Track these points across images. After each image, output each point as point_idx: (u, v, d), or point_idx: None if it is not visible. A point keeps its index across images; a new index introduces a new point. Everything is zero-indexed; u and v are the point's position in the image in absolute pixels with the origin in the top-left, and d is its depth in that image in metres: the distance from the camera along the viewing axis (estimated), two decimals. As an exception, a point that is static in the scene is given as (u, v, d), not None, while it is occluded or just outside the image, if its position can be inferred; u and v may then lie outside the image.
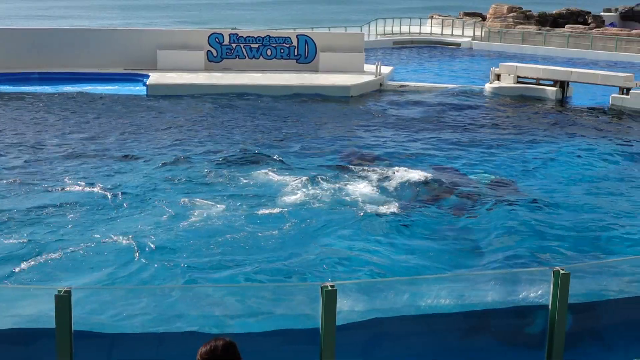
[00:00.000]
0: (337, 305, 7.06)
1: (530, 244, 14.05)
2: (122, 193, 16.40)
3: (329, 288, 7.06)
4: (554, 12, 57.02)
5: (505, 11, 55.90)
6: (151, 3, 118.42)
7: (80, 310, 7.10)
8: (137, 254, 13.02)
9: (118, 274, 12.36)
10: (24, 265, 12.64)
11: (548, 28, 51.53)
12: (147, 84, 29.92)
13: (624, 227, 15.27)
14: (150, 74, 31.43)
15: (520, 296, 8.45)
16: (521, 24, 52.85)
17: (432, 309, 8.40)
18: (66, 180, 17.46)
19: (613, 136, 24.28)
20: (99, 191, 16.58)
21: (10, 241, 13.60)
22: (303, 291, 8.68)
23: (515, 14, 55.07)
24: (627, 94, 28.94)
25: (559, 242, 14.28)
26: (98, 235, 13.95)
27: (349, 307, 7.68)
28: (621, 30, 49.74)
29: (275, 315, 8.86)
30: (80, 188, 16.82)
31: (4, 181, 17.27)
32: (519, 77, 31.31)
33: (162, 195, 16.46)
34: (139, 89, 29.90)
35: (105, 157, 19.69)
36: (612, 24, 56.14)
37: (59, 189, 16.75)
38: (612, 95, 29.29)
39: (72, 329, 6.69)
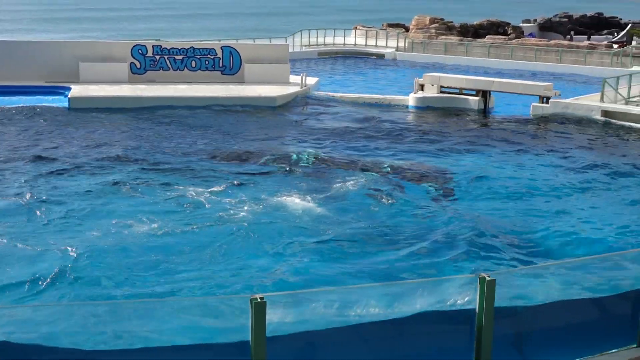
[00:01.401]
0: (267, 317, 7.02)
1: (454, 252, 14.24)
2: (43, 207, 16.04)
3: (258, 300, 7.02)
4: (475, 23, 58.21)
5: (427, 22, 56.80)
6: (74, 15, 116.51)
7: None
8: (60, 270, 12.73)
9: (40, 290, 12.04)
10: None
11: (470, 39, 52.55)
12: (69, 96, 29.35)
13: (548, 231, 15.60)
14: (72, 86, 30.85)
15: (448, 303, 8.53)
16: (443, 34, 53.76)
17: (361, 318, 8.41)
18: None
19: (534, 143, 24.83)
20: (20, 204, 16.19)
21: None
22: (232, 303, 8.60)
23: (437, 25, 56.01)
24: (547, 102, 29.66)
25: (484, 249, 14.50)
26: (17, 250, 13.60)
27: (278, 319, 7.63)
28: (540, 41, 51.05)
29: (205, 328, 8.75)
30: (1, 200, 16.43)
31: None
32: (442, 87, 31.77)
33: (85, 209, 16.14)
34: (60, 102, 29.29)
35: (25, 170, 19.21)
36: (531, 35, 57.58)
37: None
38: (533, 104, 29.98)
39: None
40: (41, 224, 15.20)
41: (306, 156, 21.62)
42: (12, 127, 24.79)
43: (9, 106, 28.14)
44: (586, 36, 57.37)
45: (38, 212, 15.83)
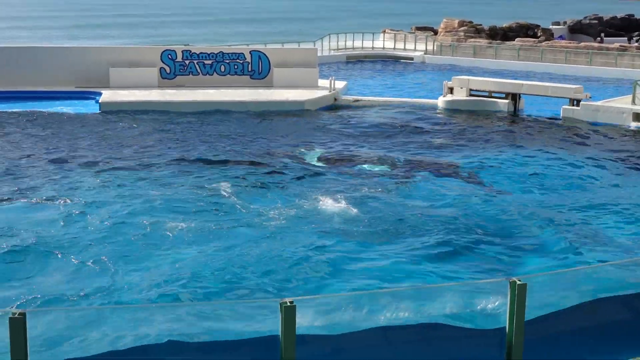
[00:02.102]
0: (297, 320, 7.03)
1: (485, 254, 14.17)
2: (80, 210, 16.21)
3: (288, 304, 7.03)
4: (504, 25, 57.85)
5: (456, 25, 56.57)
6: (107, 22, 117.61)
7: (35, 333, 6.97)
8: (101, 272, 12.86)
9: (78, 293, 12.14)
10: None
11: (499, 41, 52.24)
12: (99, 101, 29.63)
13: (578, 234, 15.47)
14: (102, 91, 31.14)
15: (478, 307, 8.50)
16: (472, 37, 53.51)
17: (390, 321, 8.41)
18: (22, 197, 17.22)
19: (564, 146, 24.63)
20: (59, 208, 16.39)
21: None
22: (262, 307, 8.64)
23: (466, 27, 55.75)
24: (578, 105, 29.42)
25: (514, 252, 14.42)
26: (57, 253, 13.75)
27: (308, 323, 7.66)
28: (570, 43, 50.62)
29: (235, 331, 8.80)
30: (38, 204, 16.63)
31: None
32: (471, 90, 31.63)
33: (122, 212, 16.30)
34: (91, 107, 29.57)
35: (61, 174, 19.41)
36: (561, 37, 57.13)
37: (17, 206, 16.50)
38: (563, 107, 29.75)
39: (28, 354, 6.56)
40: (78, 224, 15.33)
41: (327, 158, 21.65)
42: (45, 131, 25.02)
43: (42, 111, 28.44)
44: (620, 37, 56.57)
45: (71, 214, 15.97)
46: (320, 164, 21.49)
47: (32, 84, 31.89)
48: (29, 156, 21.58)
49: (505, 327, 7.72)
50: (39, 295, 11.87)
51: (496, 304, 8.02)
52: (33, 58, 32.76)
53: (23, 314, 6.54)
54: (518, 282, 7.79)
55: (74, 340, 8.86)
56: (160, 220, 15.75)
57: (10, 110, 28.43)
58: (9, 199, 17.44)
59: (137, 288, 12.35)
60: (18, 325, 6.54)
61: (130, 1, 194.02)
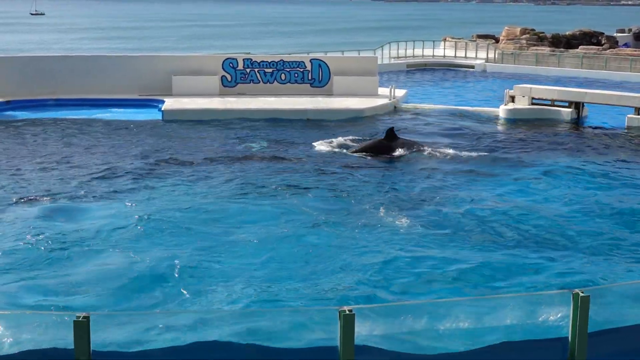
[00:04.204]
0: (356, 329, 7.01)
1: (547, 266, 13.97)
2: (146, 217, 16.46)
3: (347, 312, 7.02)
4: (567, 33, 57.06)
5: (518, 33, 56.00)
6: (165, 33, 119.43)
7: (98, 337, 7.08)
8: (159, 278, 13.03)
9: (138, 298, 12.32)
10: (39, 290, 12.64)
11: (561, 49, 51.54)
12: (162, 109, 30.07)
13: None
14: (165, 99, 31.60)
15: (540, 319, 8.37)
16: (534, 45, 52.89)
17: (450, 332, 8.33)
18: (88, 203, 17.59)
19: (628, 156, 24.16)
20: (125, 215, 16.67)
21: (31, 264, 13.63)
22: (320, 315, 8.64)
23: (528, 35, 55.15)
24: (643, 114, 28.83)
25: (576, 264, 14.19)
26: (124, 259, 13.99)
27: (367, 332, 7.62)
28: (635, 51, 49.66)
29: (293, 340, 8.81)
30: (103, 211, 16.95)
31: (25, 205, 17.40)
32: (533, 98, 31.24)
33: (186, 218, 16.54)
34: (154, 115, 30.03)
35: (125, 181, 19.75)
36: (626, 45, 56.13)
37: (82, 213, 16.85)
38: (628, 115, 29.18)
39: (91, 356, 6.67)
40: (143, 232, 15.56)
41: (390, 166, 21.60)
42: (109, 139, 25.49)
43: (106, 118, 29.00)
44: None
45: (139, 221, 16.24)
46: (380, 171, 21.44)
47: (97, 92, 32.53)
48: (93, 160, 21.99)
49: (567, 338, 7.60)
50: (103, 298, 12.08)
51: (559, 315, 7.90)
52: (98, 67, 33.44)
53: (87, 317, 6.66)
54: (581, 294, 7.65)
55: (134, 343, 8.98)
56: (226, 225, 15.95)
57: (75, 118, 29.04)
58: (74, 199, 17.84)
59: (198, 292, 12.48)
60: (82, 328, 6.67)
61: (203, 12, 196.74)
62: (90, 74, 33.03)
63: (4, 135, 26.01)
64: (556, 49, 51.37)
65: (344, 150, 23.65)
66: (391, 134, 23.69)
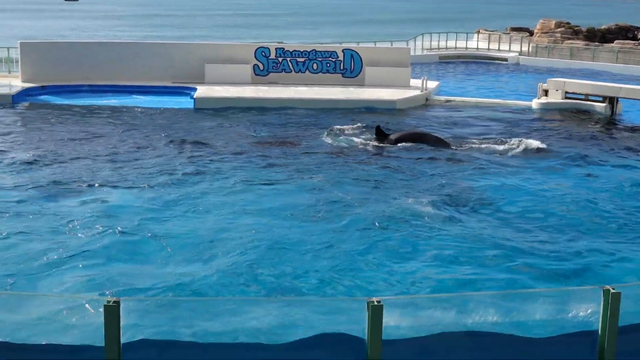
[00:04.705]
0: (383, 320, 7.00)
1: (582, 260, 13.87)
2: (177, 204, 16.59)
3: (375, 303, 7.01)
4: (602, 27, 56.42)
5: (553, 26, 55.48)
6: (201, 22, 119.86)
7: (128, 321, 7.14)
8: (189, 264, 13.11)
9: (166, 283, 12.41)
10: (68, 273, 12.78)
11: (596, 43, 51.01)
12: (194, 97, 30.21)
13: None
14: (197, 87, 31.74)
15: (569, 315, 8.32)
16: (569, 39, 52.38)
17: (479, 326, 8.30)
18: (120, 189, 17.75)
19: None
20: (156, 202, 16.81)
21: (61, 249, 13.78)
22: (349, 306, 8.65)
23: (563, 29, 54.62)
24: (679, 110, 28.48)
25: (609, 262, 14.06)
26: (156, 241, 14.11)
27: (395, 323, 7.62)
28: (672, 46, 49.02)
29: (321, 329, 8.82)
30: (135, 198, 17.10)
31: (60, 187, 17.62)
32: (567, 92, 30.95)
33: (218, 204, 16.66)
34: (186, 102, 30.18)
35: (157, 169, 19.87)
36: (662, 40, 55.35)
37: (112, 198, 17.00)
38: (663, 111, 28.85)
39: (121, 341, 6.72)
40: (174, 220, 15.67)
41: (423, 157, 21.53)
42: (142, 125, 25.65)
43: (139, 105, 29.19)
44: None
45: (170, 207, 16.35)
46: (412, 164, 21.38)
47: (130, 78, 32.74)
48: (125, 147, 22.16)
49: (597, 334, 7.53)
50: (133, 283, 12.18)
51: (589, 311, 7.83)
52: (132, 53, 33.65)
53: (117, 302, 6.71)
54: (612, 291, 7.57)
55: (164, 328, 9.05)
56: (259, 213, 16.01)
57: (108, 104, 29.31)
58: (105, 185, 18.01)
59: (228, 279, 12.54)
60: (112, 312, 6.72)
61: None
62: (124, 60, 33.26)
63: (39, 120, 26.32)
64: (591, 43, 50.83)
65: (375, 142, 23.60)
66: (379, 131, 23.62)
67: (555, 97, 30.95)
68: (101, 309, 6.66)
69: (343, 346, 7.44)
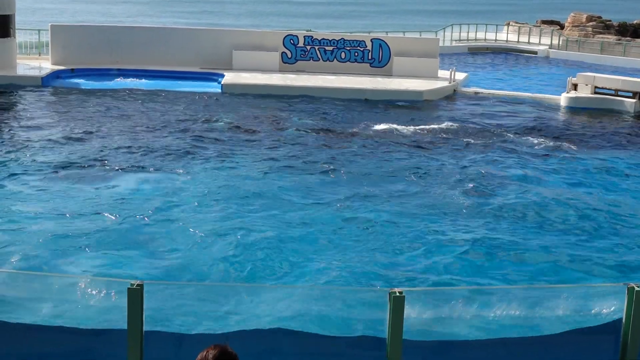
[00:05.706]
0: (405, 312, 7.00)
1: (606, 257, 13.77)
2: (204, 189, 16.67)
3: (397, 294, 7.00)
4: (635, 22, 55.75)
5: (584, 20, 54.89)
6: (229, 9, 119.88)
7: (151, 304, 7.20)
8: (211, 252, 13.17)
9: (190, 269, 12.47)
10: (94, 256, 12.89)
11: (628, 38, 50.41)
12: (222, 83, 30.26)
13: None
14: (225, 73, 31.79)
15: (593, 312, 8.27)
16: (600, 33, 51.82)
17: (499, 319, 8.29)
18: (148, 173, 17.89)
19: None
20: (183, 185, 16.91)
21: (85, 230, 13.89)
22: (370, 296, 8.66)
23: (594, 23, 54.02)
24: None
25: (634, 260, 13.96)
26: (176, 227, 14.17)
27: (416, 314, 7.62)
28: None
29: (341, 318, 8.84)
30: (163, 181, 17.23)
31: (87, 170, 17.78)
32: (596, 87, 30.64)
33: (245, 190, 16.73)
34: (214, 88, 30.25)
35: (183, 153, 19.98)
36: (696, 36, 54.60)
37: (137, 182, 17.13)
38: (695, 109, 28.47)
39: (144, 323, 6.78)
40: (200, 206, 15.75)
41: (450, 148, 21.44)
42: (171, 110, 25.77)
43: (168, 90, 29.31)
44: None
45: (195, 192, 16.43)
46: (433, 155, 21.32)
47: (159, 63, 32.85)
48: (152, 132, 22.28)
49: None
50: (158, 267, 12.27)
51: (612, 309, 7.78)
52: (161, 38, 33.75)
53: (141, 285, 6.77)
54: (636, 288, 7.51)
55: (187, 314, 9.12)
56: (287, 202, 16.05)
57: (136, 88, 29.44)
58: (134, 168, 18.15)
59: (253, 268, 12.59)
60: (136, 296, 6.78)
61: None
62: (153, 45, 33.37)
63: (68, 102, 26.54)
64: (622, 38, 50.24)
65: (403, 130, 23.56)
66: None
67: (585, 92, 30.65)
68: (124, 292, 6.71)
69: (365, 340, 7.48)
